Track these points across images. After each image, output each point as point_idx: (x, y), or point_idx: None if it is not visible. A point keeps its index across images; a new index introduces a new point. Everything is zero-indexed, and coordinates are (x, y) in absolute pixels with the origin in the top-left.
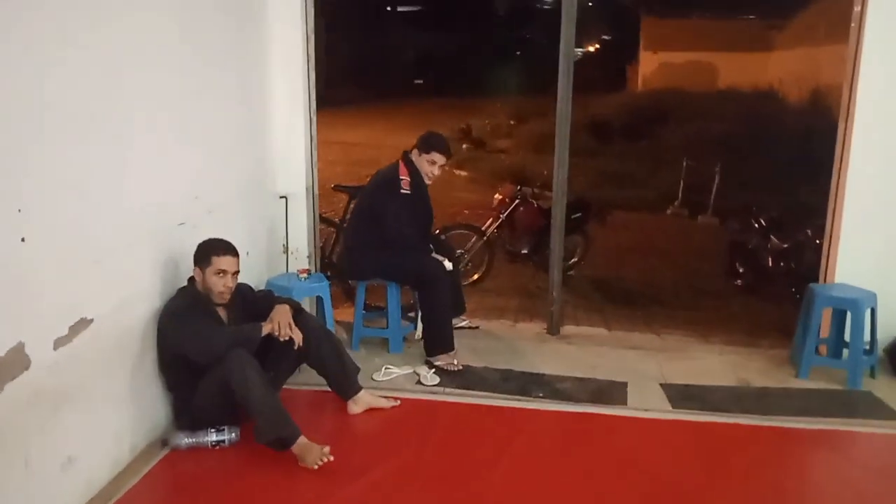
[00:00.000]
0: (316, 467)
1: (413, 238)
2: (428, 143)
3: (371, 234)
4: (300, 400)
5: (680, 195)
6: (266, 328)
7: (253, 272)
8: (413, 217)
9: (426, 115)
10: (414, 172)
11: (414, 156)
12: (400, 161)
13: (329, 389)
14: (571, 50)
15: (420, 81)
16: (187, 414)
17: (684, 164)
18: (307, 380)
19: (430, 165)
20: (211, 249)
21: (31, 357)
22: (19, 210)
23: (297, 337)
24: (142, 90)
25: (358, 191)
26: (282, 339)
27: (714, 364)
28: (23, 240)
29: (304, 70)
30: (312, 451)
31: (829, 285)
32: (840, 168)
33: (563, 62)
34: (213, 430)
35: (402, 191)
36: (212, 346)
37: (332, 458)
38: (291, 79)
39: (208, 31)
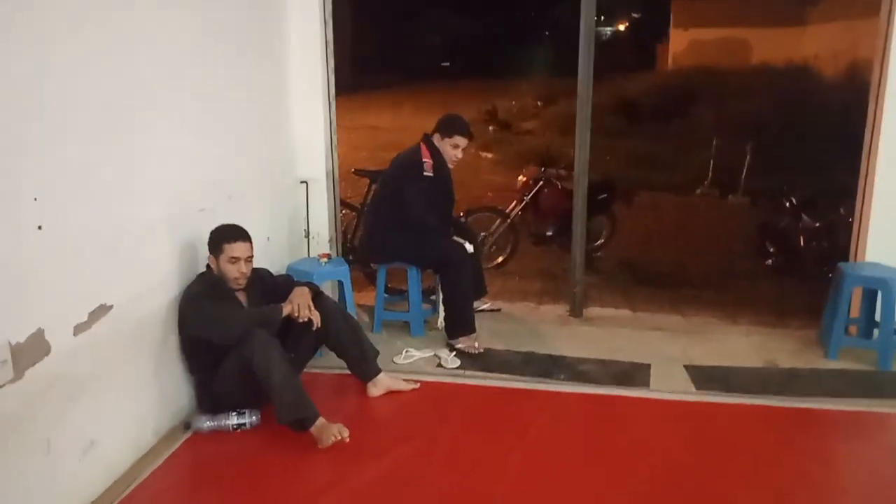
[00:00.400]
0: (330, 442)
1: (434, 221)
2: (449, 127)
3: (392, 218)
4: (322, 383)
5: (710, 175)
6: (286, 309)
7: (274, 257)
8: (435, 200)
9: (452, 98)
10: (436, 155)
11: (436, 139)
12: (421, 143)
13: (349, 372)
14: (592, 30)
15: (447, 64)
16: (209, 397)
17: (714, 143)
18: (329, 363)
19: (454, 149)
20: (222, 237)
21: (51, 343)
22: (35, 198)
23: (316, 317)
24: (159, 76)
25: (379, 175)
26: (301, 320)
27: (740, 345)
28: (40, 227)
29: (323, 55)
30: (330, 430)
31: (859, 264)
32: (871, 145)
33: (584, 42)
34: (234, 413)
35: (425, 173)
36: (233, 327)
37: (347, 437)
38: (310, 63)
39: (226, 16)
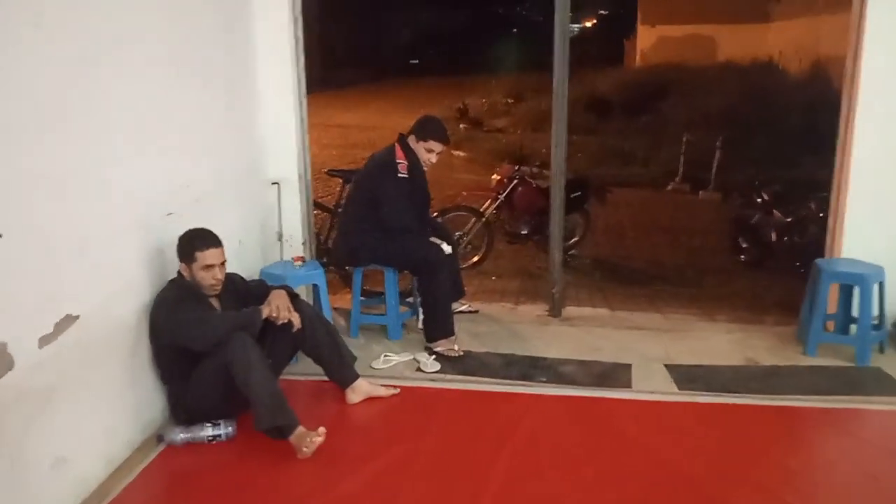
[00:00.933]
0: (309, 452)
1: (410, 222)
2: (425, 130)
3: (368, 219)
4: (298, 390)
5: (681, 171)
6: (265, 311)
7: (246, 261)
8: (411, 201)
9: (422, 96)
10: (410, 156)
11: (411, 141)
12: (396, 144)
13: (327, 379)
14: (567, 27)
15: (416, 61)
16: (183, 408)
17: (684, 139)
18: (305, 370)
19: (428, 153)
20: (193, 245)
21: (14, 356)
22: None
23: (296, 319)
24: (122, 75)
25: (352, 175)
26: (280, 322)
27: (720, 343)
28: (0, 235)
29: (294, 52)
30: (306, 436)
31: (836, 260)
32: (844, 140)
33: (559, 39)
34: (209, 425)
35: (399, 174)
36: (212, 330)
37: (322, 435)
38: (280, 61)
39: (191, 13)
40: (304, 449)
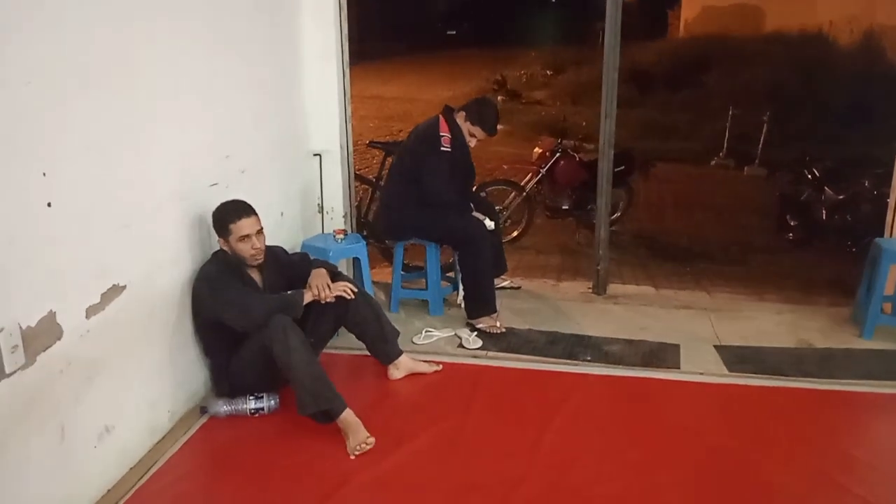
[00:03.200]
0: (353, 456)
1: (453, 197)
2: (478, 117)
3: (410, 193)
4: (339, 365)
5: (725, 146)
6: (308, 296)
7: (288, 234)
8: (453, 175)
9: (459, 68)
10: (455, 129)
11: (459, 118)
12: (440, 116)
13: (368, 354)
14: None
15: (453, 32)
16: (225, 380)
17: (730, 113)
18: (345, 343)
19: (471, 137)
20: (226, 217)
21: (62, 326)
22: (44, 173)
23: (344, 289)
24: (168, 46)
25: (394, 147)
26: (325, 302)
27: (771, 324)
28: (49, 205)
29: (337, 21)
30: (357, 436)
31: None
32: None
33: (611, 5)
34: (252, 398)
35: (443, 148)
36: (251, 313)
37: (371, 445)
38: (324, 30)
39: None
40: (352, 456)
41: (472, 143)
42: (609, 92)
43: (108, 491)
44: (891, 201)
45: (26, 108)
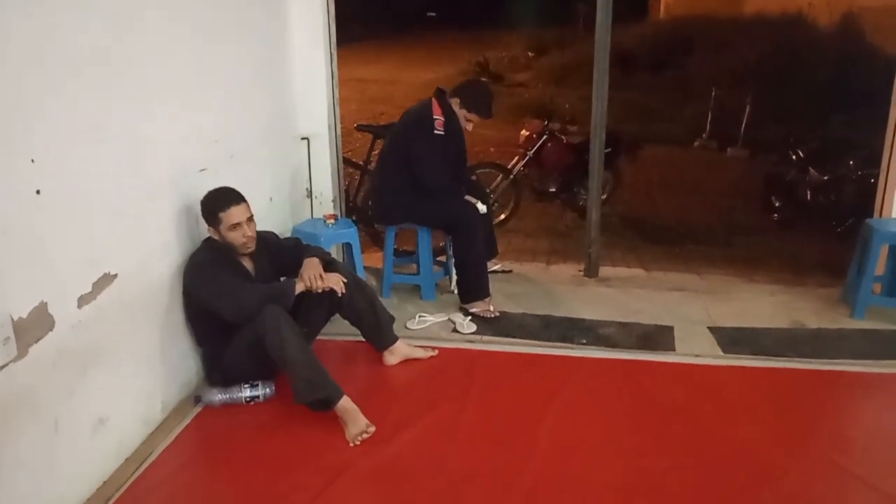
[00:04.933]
0: (352, 444)
1: (445, 181)
2: (472, 102)
3: (401, 177)
4: (333, 351)
5: (708, 127)
6: (299, 286)
7: (277, 219)
8: (446, 159)
9: (440, 49)
10: (448, 111)
11: (453, 103)
12: (433, 99)
13: (363, 340)
14: None
15: (433, 14)
16: (219, 369)
17: (712, 94)
18: (338, 330)
19: (466, 122)
20: (215, 206)
21: (54, 317)
22: (32, 160)
23: (336, 283)
24: (157, 31)
25: (383, 130)
26: (317, 292)
27: (763, 305)
28: (38, 192)
29: (324, 2)
30: (357, 425)
31: (888, 220)
32: None
33: None
34: (246, 386)
35: (436, 131)
36: (242, 304)
37: (371, 434)
38: (311, 12)
39: None
40: (353, 444)
41: (469, 127)
42: (601, 74)
43: (104, 483)
44: (880, 182)
45: (14, 94)
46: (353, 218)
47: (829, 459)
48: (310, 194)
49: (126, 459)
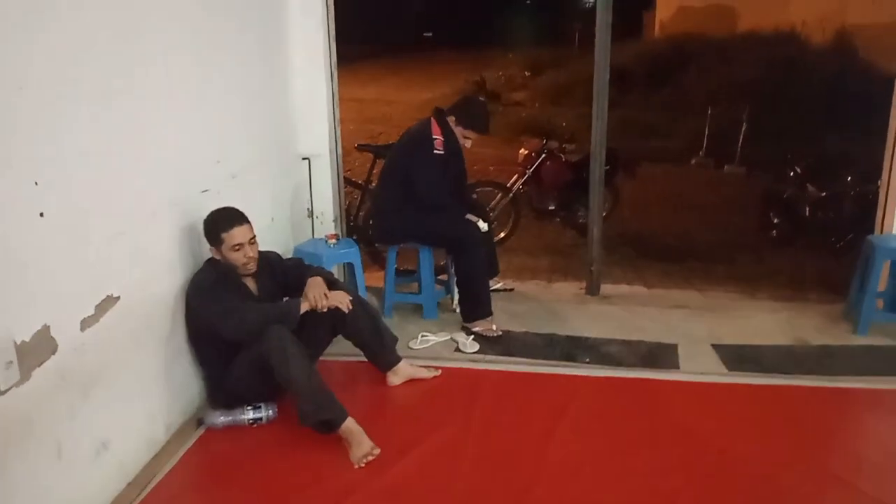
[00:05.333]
0: (357, 466)
1: (446, 200)
2: (468, 118)
3: (402, 196)
4: (335, 372)
5: (704, 144)
6: (304, 306)
7: (278, 239)
8: (446, 178)
9: (437, 69)
10: (447, 131)
11: (451, 121)
12: (432, 119)
13: (365, 360)
14: None
15: (429, 34)
16: (221, 391)
17: (709, 112)
18: (340, 350)
19: (464, 139)
20: (217, 226)
21: (57, 340)
22: (36, 182)
23: (341, 300)
24: (160, 51)
25: (383, 150)
26: (322, 311)
27: (766, 322)
28: (41, 214)
29: (325, 21)
30: (362, 447)
31: (890, 236)
32: None
33: (601, 7)
34: (249, 408)
35: (436, 151)
36: (246, 324)
37: (376, 456)
38: (312, 32)
39: None
40: (358, 466)
41: (468, 144)
42: (601, 92)
43: None
44: (880, 198)
45: (18, 114)
46: (354, 237)
47: (838, 477)
48: (311, 214)
49: (129, 483)
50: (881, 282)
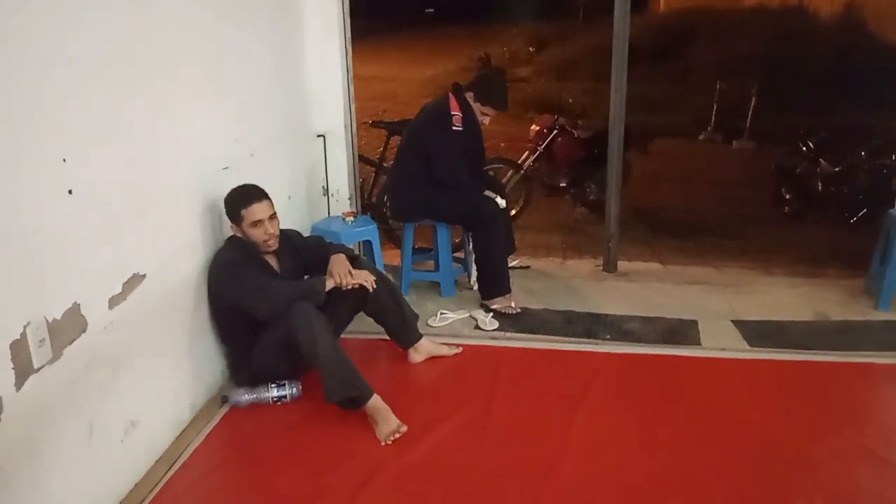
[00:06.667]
0: (384, 443)
1: (464, 177)
2: (486, 95)
3: (420, 173)
4: (356, 350)
5: (713, 119)
6: (329, 283)
7: (296, 217)
8: (464, 154)
9: (440, 45)
10: (466, 108)
11: (469, 97)
12: (451, 95)
13: (386, 338)
14: None
15: (431, 10)
16: (245, 369)
17: (717, 86)
18: (360, 329)
19: (482, 116)
20: (238, 202)
21: (87, 318)
22: (64, 160)
23: (365, 279)
24: (180, 30)
25: (398, 127)
26: (346, 288)
27: (785, 297)
28: (70, 192)
29: None
30: (389, 423)
31: None
32: None
33: None
34: (273, 386)
35: (454, 127)
36: (274, 301)
37: (403, 433)
38: (326, 7)
39: None
40: (385, 443)
41: (486, 121)
42: (619, 66)
43: (136, 485)
44: None
45: (42, 93)
46: (368, 214)
47: (866, 449)
48: (326, 192)
49: (156, 461)
50: None
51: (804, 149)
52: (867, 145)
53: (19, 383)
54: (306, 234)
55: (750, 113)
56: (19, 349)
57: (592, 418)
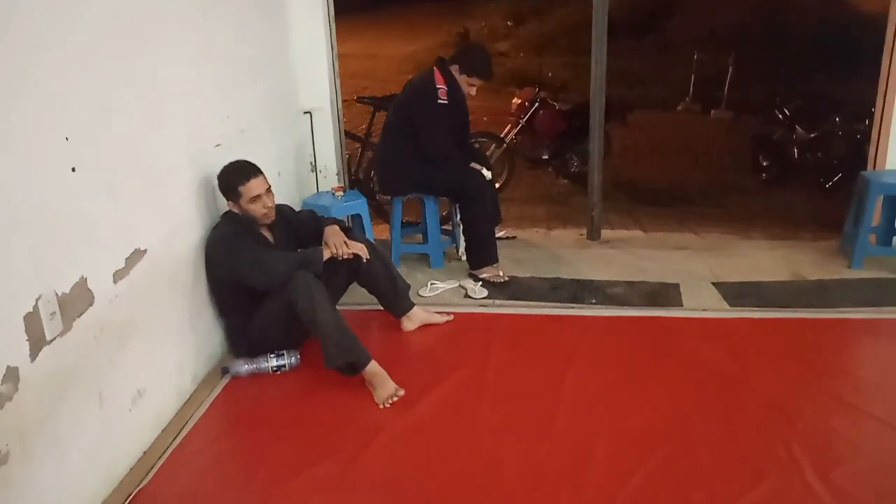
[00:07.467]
0: (382, 407)
1: (451, 150)
2: (471, 65)
3: (407, 147)
4: (351, 319)
5: (691, 90)
6: (326, 253)
7: (286, 193)
8: (450, 127)
9: (418, 22)
10: (451, 81)
11: (453, 70)
12: (434, 68)
13: (379, 308)
14: None
15: None
16: (244, 340)
17: (695, 57)
18: (353, 299)
19: (469, 87)
20: (234, 179)
21: (93, 292)
22: (67, 138)
23: (360, 250)
24: (169, 13)
25: (383, 102)
26: (343, 258)
27: (763, 259)
28: (73, 169)
29: None
30: (386, 387)
31: (884, 172)
32: (892, 48)
33: None
34: (272, 355)
35: (440, 101)
36: (274, 271)
37: (400, 396)
38: None
39: None
40: (383, 406)
41: (472, 91)
42: (599, 37)
43: (144, 453)
44: (873, 134)
45: (45, 73)
46: (356, 189)
47: (842, 399)
48: (314, 168)
49: (163, 430)
50: (874, 216)
51: (780, 117)
52: (841, 112)
53: (34, 354)
54: (297, 209)
55: (727, 83)
56: (32, 321)
57: (582, 376)
